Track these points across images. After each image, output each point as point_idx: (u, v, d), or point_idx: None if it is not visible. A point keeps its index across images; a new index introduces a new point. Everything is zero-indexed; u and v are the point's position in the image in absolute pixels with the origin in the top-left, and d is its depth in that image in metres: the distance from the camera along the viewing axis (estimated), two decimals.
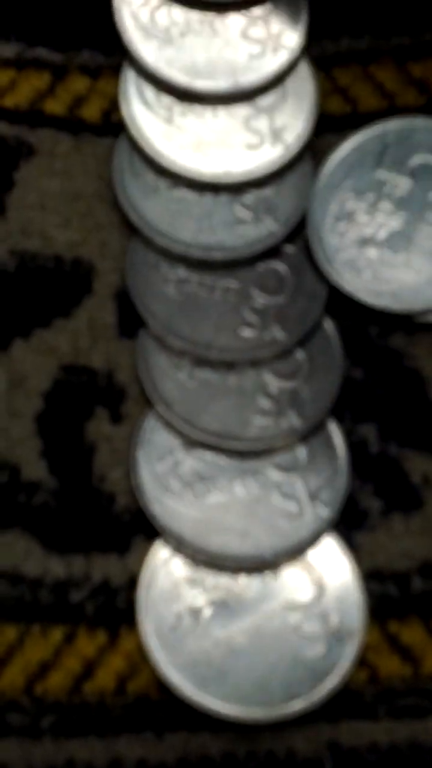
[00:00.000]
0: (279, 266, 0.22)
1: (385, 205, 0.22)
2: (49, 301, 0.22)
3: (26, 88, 0.23)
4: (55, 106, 0.23)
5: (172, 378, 0.22)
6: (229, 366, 0.22)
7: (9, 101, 0.23)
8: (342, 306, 0.22)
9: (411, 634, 0.21)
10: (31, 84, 0.23)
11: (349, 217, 0.22)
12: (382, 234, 0.22)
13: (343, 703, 0.21)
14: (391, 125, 0.22)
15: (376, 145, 0.22)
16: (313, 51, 0.23)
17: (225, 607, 0.21)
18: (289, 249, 0.22)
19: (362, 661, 0.21)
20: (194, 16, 0.23)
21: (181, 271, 0.22)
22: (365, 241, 0.22)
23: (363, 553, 0.21)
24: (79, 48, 0.23)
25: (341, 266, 0.22)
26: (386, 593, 0.21)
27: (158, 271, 0.22)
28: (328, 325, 0.22)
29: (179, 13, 0.23)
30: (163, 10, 0.23)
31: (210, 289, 0.22)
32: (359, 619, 0.21)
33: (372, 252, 0.22)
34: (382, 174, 0.22)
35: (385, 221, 0.22)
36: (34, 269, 0.22)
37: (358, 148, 0.22)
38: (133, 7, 0.23)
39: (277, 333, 0.22)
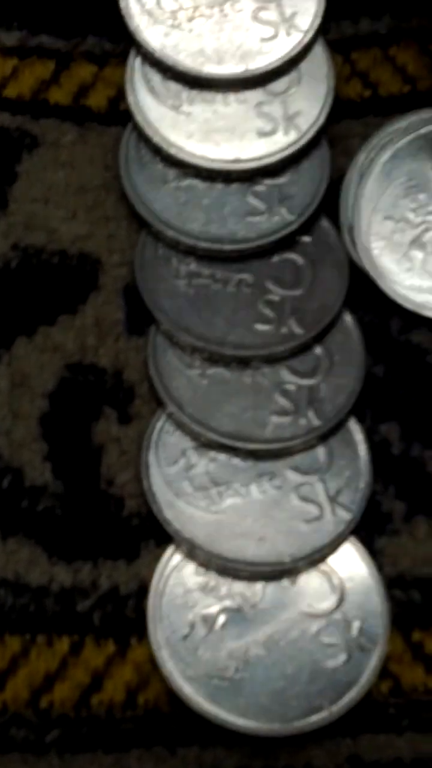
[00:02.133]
0: (296, 258, 0.22)
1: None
2: (54, 297, 0.22)
3: (29, 77, 0.23)
4: (60, 95, 0.23)
5: (183, 377, 0.21)
6: (243, 363, 0.21)
7: (11, 91, 0.23)
8: (363, 299, 0.21)
9: None
10: (35, 73, 0.23)
11: (397, 217, 0.21)
12: (429, 236, 0.21)
13: (364, 715, 0.20)
14: None
15: None
16: (330, 34, 0.22)
17: (240, 615, 0.20)
18: (306, 240, 0.22)
19: (384, 672, 0.20)
20: None
21: (193, 265, 0.22)
22: (412, 243, 0.21)
23: (385, 559, 0.21)
24: (84, 35, 0.23)
25: (383, 267, 0.21)
26: (410, 600, 0.20)
27: (168, 264, 0.22)
28: (348, 320, 0.21)
29: None
30: None
31: (223, 283, 0.21)
32: (382, 628, 0.20)
33: (418, 254, 0.21)
34: None
35: None
36: (38, 265, 0.22)
37: (420, 139, 0.22)
38: None
39: (295, 328, 0.21)
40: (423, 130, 0.22)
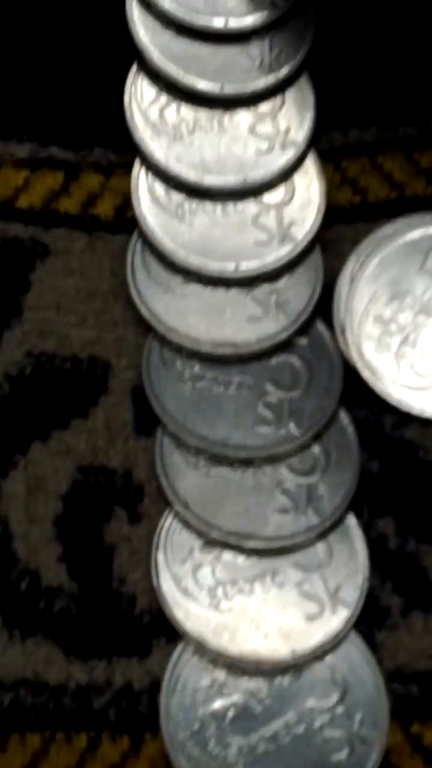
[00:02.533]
0: (292, 360, 0.22)
1: (421, 307, 0.22)
2: (67, 401, 0.23)
3: (40, 188, 0.24)
4: (69, 205, 0.24)
5: (189, 476, 0.22)
6: (246, 463, 0.22)
7: (23, 202, 0.24)
8: (357, 396, 0.22)
9: None
10: (45, 183, 0.24)
11: (386, 318, 0.22)
12: (416, 337, 0.22)
13: None
14: None
15: (425, 243, 0.22)
16: (321, 143, 0.23)
17: (247, 711, 0.21)
18: (302, 342, 0.23)
19: (386, 764, 0.21)
20: (202, 113, 0.23)
21: (196, 368, 0.22)
22: (402, 344, 0.22)
23: (385, 653, 0.21)
24: (91, 146, 0.24)
25: (375, 367, 0.22)
26: (408, 694, 0.21)
27: (173, 368, 0.22)
28: (344, 418, 0.22)
29: (188, 110, 0.23)
30: (172, 107, 0.23)
31: (225, 386, 0.22)
32: (382, 721, 0.21)
33: (407, 354, 0.22)
34: (422, 275, 0.22)
35: (422, 323, 0.22)
36: (51, 370, 0.23)
37: (406, 244, 0.23)
38: (143, 105, 0.23)
39: (293, 429, 0.22)
40: (408, 237, 0.23)
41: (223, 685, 0.21)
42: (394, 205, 0.23)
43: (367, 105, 0.24)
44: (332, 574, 0.21)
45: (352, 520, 0.22)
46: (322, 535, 0.21)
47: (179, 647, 0.21)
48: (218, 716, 0.21)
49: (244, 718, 0.21)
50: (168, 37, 0.23)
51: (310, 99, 0.23)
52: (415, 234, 0.23)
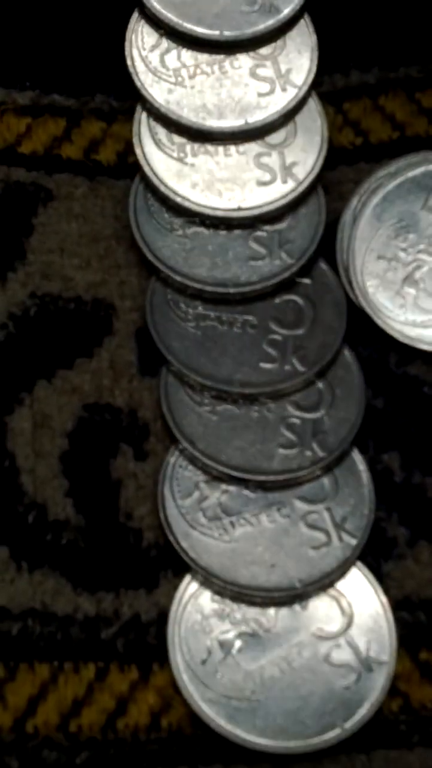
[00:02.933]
0: (296, 299, 0.23)
1: (425, 244, 0.22)
2: (71, 341, 0.23)
3: (42, 134, 0.24)
4: (72, 151, 0.24)
5: (194, 414, 0.22)
6: (250, 400, 0.22)
7: (26, 148, 0.24)
8: (362, 335, 0.22)
9: None
10: (47, 130, 0.24)
11: (389, 256, 0.22)
12: (420, 273, 0.22)
13: (376, 732, 0.21)
14: None
15: (428, 180, 0.23)
16: (323, 85, 0.23)
17: (255, 639, 0.21)
18: (306, 281, 0.23)
19: (394, 690, 0.21)
20: (203, 57, 0.23)
21: (200, 308, 0.23)
22: (404, 280, 0.22)
23: (391, 582, 0.21)
24: (93, 93, 0.24)
25: (379, 304, 0.22)
26: (416, 621, 0.21)
27: (177, 308, 0.23)
28: (348, 355, 0.22)
29: (188, 55, 0.23)
30: (173, 53, 0.23)
31: (229, 325, 0.22)
32: (389, 648, 0.21)
33: (410, 291, 0.22)
34: (426, 212, 0.23)
35: (426, 260, 0.22)
36: (55, 311, 0.23)
37: (409, 181, 0.23)
38: (144, 52, 0.23)
39: (298, 365, 0.22)
40: (410, 174, 0.23)
41: (230, 615, 0.21)
42: (396, 146, 0.23)
43: (369, 46, 0.24)
44: (338, 506, 0.22)
45: (357, 455, 0.22)
46: (328, 468, 0.22)
47: (186, 579, 0.21)
48: (226, 645, 0.21)
49: (252, 646, 0.21)
50: None
51: (310, 41, 0.23)
52: (418, 171, 0.23)
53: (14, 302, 0.23)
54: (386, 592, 0.21)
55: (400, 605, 0.21)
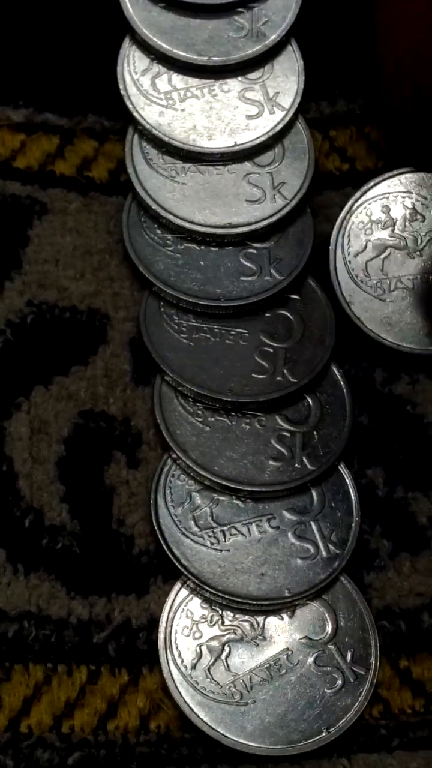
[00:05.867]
0: (287, 313, 0.23)
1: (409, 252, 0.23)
2: (67, 349, 0.23)
3: (36, 151, 0.24)
4: (65, 167, 0.24)
5: (187, 424, 0.23)
6: (242, 409, 0.23)
7: (21, 162, 0.24)
8: (349, 354, 0.23)
9: (421, 669, 0.22)
10: (41, 147, 0.24)
11: (373, 266, 0.23)
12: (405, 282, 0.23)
13: (357, 737, 0.21)
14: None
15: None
16: (310, 112, 0.24)
17: (243, 645, 0.21)
18: (295, 297, 0.23)
19: (375, 696, 0.22)
20: (193, 81, 0.24)
21: (192, 320, 0.23)
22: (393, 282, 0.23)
23: (374, 592, 0.22)
24: (85, 113, 0.24)
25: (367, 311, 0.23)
26: (396, 630, 0.22)
27: (170, 320, 0.23)
28: (336, 373, 0.23)
29: (179, 79, 0.24)
30: (163, 77, 0.24)
31: (221, 336, 0.23)
32: (372, 656, 0.21)
33: (395, 294, 0.23)
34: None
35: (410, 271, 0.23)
36: (51, 319, 0.23)
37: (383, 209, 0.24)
38: (135, 75, 0.24)
39: (288, 376, 0.23)
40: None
41: (219, 620, 0.22)
42: (381, 173, 0.24)
43: (355, 77, 0.24)
44: (326, 518, 0.22)
45: (343, 470, 0.23)
46: (316, 481, 0.22)
47: (177, 585, 0.22)
48: (215, 650, 0.21)
49: (240, 652, 0.21)
50: (156, 11, 0.23)
51: (297, 65, 0.24)
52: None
53: (12, 310, 0.23)
54: (368, 602, 0.22)
55: (381, 615, 0.22)
